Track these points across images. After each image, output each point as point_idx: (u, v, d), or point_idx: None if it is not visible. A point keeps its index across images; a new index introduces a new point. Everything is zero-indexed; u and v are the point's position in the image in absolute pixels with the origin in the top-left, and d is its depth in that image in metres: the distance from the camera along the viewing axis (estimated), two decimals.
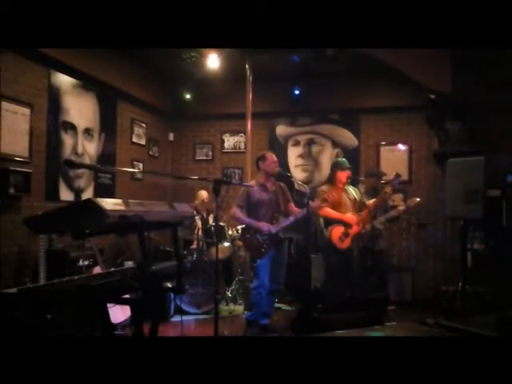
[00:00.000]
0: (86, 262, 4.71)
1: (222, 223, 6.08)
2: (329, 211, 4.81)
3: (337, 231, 4.81)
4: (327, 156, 7.26)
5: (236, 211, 4.75)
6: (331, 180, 5.00)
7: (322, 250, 5.36)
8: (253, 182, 4.92)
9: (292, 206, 4.83)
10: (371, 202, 5.04)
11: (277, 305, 5.84)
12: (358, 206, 4.99)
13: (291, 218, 4.67)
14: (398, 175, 4.92)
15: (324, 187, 4.99)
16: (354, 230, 4.81)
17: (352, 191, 5.05)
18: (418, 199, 5.37)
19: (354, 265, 4.97)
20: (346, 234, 4.79)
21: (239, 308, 5.95)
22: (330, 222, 4.87)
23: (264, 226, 4.60)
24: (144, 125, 7.08)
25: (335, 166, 5.02)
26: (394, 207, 5.73)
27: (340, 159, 5.27)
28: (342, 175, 4.92)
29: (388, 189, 4.88)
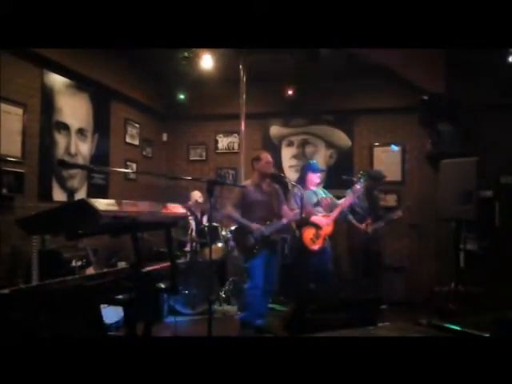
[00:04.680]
0: (79, 263, 4.69)
1: (215, 224, 6.07)
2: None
3: (308, 233, 4.86)
4: (321, 157, 7.27)
5: (230, 210, 4.76)
6: (302, 182, 5.03)
7: (295, 251, 5.36)
8: (248, 182, 4.93)
9: (286, 208, 4.84)
10: (342, 201, 5.06)
11: (271, 305, 5.83)
12: (329, 207, 5.03)
13: (284, 221, 4.71)
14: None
15: (295, 189, 4.99)
16: (325, 231, 4.87)
17: (321, 193, 5.08)
18: (408, 203, 5.53)
19: (329, 265, 5.01)
20: (317, 236, 4.84)
21: (233, 309, 5.94)
22: (301, 223, 4.90)
23: (256, 227, 4.61)
24: (137, 125, 7.06)
25: (306, 168, 5.06)
26: (387, 208, 5.79)
27: (311, 161, 5.35)
28: (313, 177, 4.97)
29: (356, 187, 4.97)
